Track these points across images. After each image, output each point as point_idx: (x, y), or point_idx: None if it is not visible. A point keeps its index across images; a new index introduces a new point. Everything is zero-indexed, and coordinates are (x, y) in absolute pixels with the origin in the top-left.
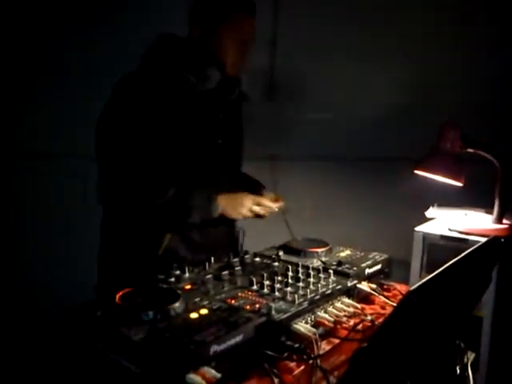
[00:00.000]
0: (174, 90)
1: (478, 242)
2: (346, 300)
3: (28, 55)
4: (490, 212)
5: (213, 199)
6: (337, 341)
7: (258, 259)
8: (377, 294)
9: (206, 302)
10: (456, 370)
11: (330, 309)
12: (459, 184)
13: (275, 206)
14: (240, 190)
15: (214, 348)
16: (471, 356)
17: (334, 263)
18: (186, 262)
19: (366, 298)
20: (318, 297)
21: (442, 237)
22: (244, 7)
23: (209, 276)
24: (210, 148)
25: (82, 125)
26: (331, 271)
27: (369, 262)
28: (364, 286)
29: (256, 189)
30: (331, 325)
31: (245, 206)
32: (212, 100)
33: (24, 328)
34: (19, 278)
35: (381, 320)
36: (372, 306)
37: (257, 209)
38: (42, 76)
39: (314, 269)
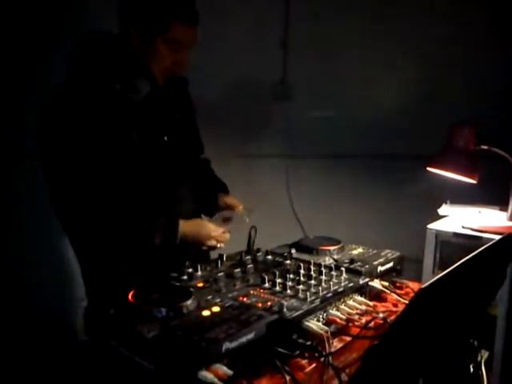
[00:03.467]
0: (107, 100)
1: (492, 239)
2: (358, 298)
3: (28, 53)
4: (504, 209)
5: (174, 224)
6: (349, 338)
7: (270, 257)
8: (389, 292)
9: (218, 300)
10: (469, 369)
11: (342, 306)
12: (473, 181)
13: (240, 215)
14: (200, 211)
15: (226, 345)
16: (485, 354)
17: (346, 261)
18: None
19: (378, 296)
20: (329, 294)
21: (455, 234)
22: (185, 16)
23: (221, 274)
24: (158, 148)
25: None
26: (343, 269)
27: (381, 260)
28: (376, 283)
29: (216, 195)
30: (343, 322)
31: (205, 240)
32: (146, 107)
33: (28, 326)
34: (19, 278)
35: (393, 318)
36: (384, 304)
37: (214, 243)
38: (43, 72)
39: (326, 267)
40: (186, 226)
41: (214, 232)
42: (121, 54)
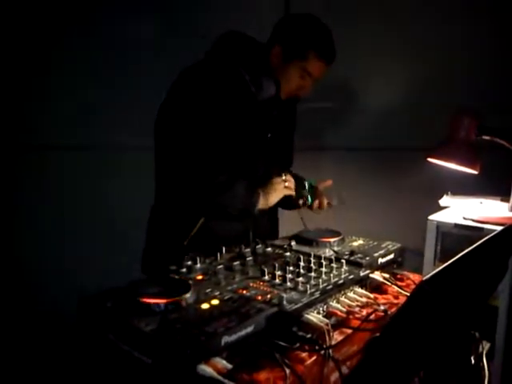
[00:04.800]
0: (235, 86)
1: (494, 230)
2: (359, 290)
3: (27, 47)
4: (505, 200)
5: (257, 193)
6: (349, 331)
7: (269, 249)
8: (390, 284)
9: (217, 293)
10: (471, 360)
11: (343, 299)
12: (475, 172)
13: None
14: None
15: (226, 339)
16: (486, 346)
17: (347, 253)
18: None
19: (378, 288)
20: (330, 287)
21: (457, 225)
22: (326, 55)
23: (220, 266)
24: (261, 141)
25: (82, 116)
26: (343, 261)
27: (382, 252)
28: (377, 275)
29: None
30: (343, 315)
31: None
32: (264, 106)
33: (27, 321)
34: (19, 274)
35: (394, 310)
36: (385, 296)
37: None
38: (42, 68)
39: (326, 259)
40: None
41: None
42: (259, 57)
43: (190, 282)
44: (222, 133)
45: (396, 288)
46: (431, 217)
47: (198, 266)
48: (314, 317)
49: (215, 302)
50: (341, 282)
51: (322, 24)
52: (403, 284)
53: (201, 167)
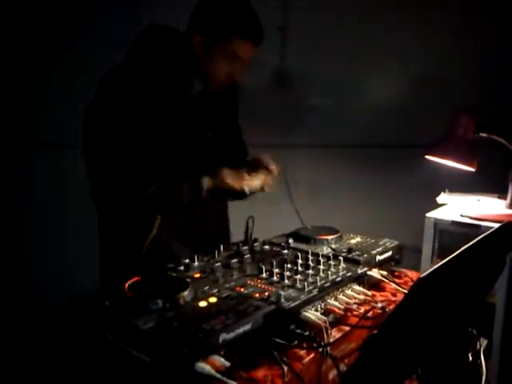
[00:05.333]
0: (160, 88)
1: (491, 227)
2: (357, 287)
3: (27, 46)
4: (503, 197)
5: (203, 173)
6: (347, 328)
7: (267, 247)
8: (387, 281)
9: (215, 291)
10: (468, 357)
11: (341, 296)
12: (472, 169)
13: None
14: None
15: (223, 336)
16: (484, 342)
17: (344, 250)
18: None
19: (376, 285)
20: (327, 284)
21: (454, 223)
22: (251, 35)
23: (218, 264)
24: (199, 141)
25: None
26: (341, 258)
27: (379, 249)
28: (375, 272)
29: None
30: (341, 312)
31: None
32: (196, 103)
33: (27, 320)
34: (19, 274)
35: (391, 307)
36: (383, 293)
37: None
38: (41, 66)
39: (323, 256)
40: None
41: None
42: (181, 51)
43: (188, 279)
44: (148, 141)
45: (394, 285)
46: (429, 214)
47: (196, 263)
48: (312, 314)
49: (213, 299)
50: (338, 279)
51: (241, 2)
52: (401, 281)
53: (128, 182)
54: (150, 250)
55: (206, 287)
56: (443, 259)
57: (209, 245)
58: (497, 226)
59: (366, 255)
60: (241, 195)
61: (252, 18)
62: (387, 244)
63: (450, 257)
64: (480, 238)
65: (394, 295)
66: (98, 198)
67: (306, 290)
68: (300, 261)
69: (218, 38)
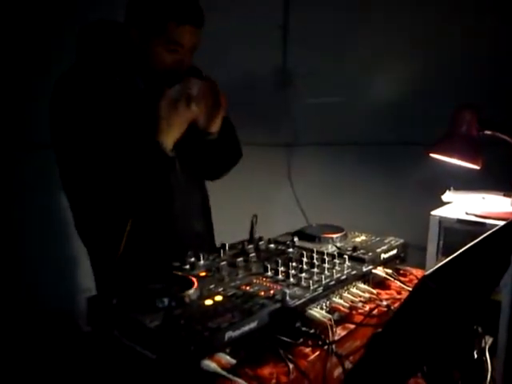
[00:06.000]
0: (108, 89)
1: (496, 225)
2: (362, 285)
3: (27, 45)
4: (508, 195)
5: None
6: (352, 326)
7: (272, 245)
8: (392, 279)
9: (220, 289)
10: (473, 355)
11: (346, 294)
12: (476, 167)
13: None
14: None
15: (229, 334)
16: (489, 340)
17: (349, 248)
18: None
19: (381, 283)
20: (332, 282)
21: (459, 221)
22: (189, 19)
23: (223, 263)
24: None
25: None
26: (346, 257)
27: (384, 247)
28: (379, 271)
29: None
30: (346, 310)
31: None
32: (147, 100)
33: (27, 320)
34: (18, 274)
35: (396, 305)
36: (388, 292)
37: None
38: (44, 65)
39: (328, 254)
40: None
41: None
42: (122, 49)
43: (194, 278)
44: (103, 142)
45: (399, 283)
46: (434, 212)
47: (202, 262)
48: (317, 312)
49: (219, 298)
50: (343, 277)
51: None
52: (406, 279)
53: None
54: (128, 251)
55: (212, 286)
56: (448, 257)
57: (192, 244)
58: (502, 223)
59: (370, 253)
60: (206, 133)
61: (185, 0)
62: (392, 242)
63: (455, 254)
64: (485, 235)
65: (399, 293)
66: (70, 199)
67: (311, 288)
68: (305, 259)
69: (153, 29)
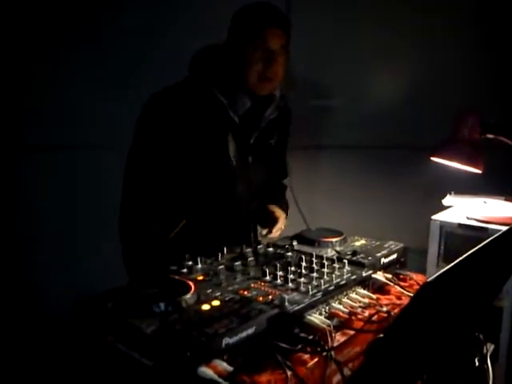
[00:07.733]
0: (209, 109)
1: (498, 230)
2: (361, 290)
3: (28, 47)
4: (509, 200)
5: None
6: (351, 332)
7: (271, 249)
8: (392, 284)
9: (218, 294)
10: (475, 362)
11: (345, 300)
12: (478, 171)
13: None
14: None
15: (226, 340)
16: (490, 347)
17: (349, 253)
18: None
19: (381, 289)
20: (332, 287)
21: (460, 225)
22: (267, 22)
23: (221, 267)
24: (239, 166)
25: (83, 116)
26: (346, 261)
27: (384, 252)
28: (379, 275)
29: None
30: (346, 316)
31: None
32: (244, 122)
33: (27, 321)
34: (19, 274)
35: (397, 311)
36: (388, 297)
37: None
38: (43, 68)
39: (328, 259)
40: None
41: None
42: (226, 67)
43: (191, 282)
44: (194, 162)
45: (399, 288)
46: (434, 216)
47: (199, 266)
48: (316, 318)
49: (216, 302)
50: (343, 282)
51: (261, 4)
52: (406, 284)
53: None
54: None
55: (209, 290)
56: (449, 262)
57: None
58: (504, 228)
59: (370, 258)
60: None
61: (272, 8)
62: (392, 247)
63: (457, 261)
64: (487, 241)
65: (399, 298)
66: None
67: (310, 293)
68: (304, 264)
69: (247, 36)
